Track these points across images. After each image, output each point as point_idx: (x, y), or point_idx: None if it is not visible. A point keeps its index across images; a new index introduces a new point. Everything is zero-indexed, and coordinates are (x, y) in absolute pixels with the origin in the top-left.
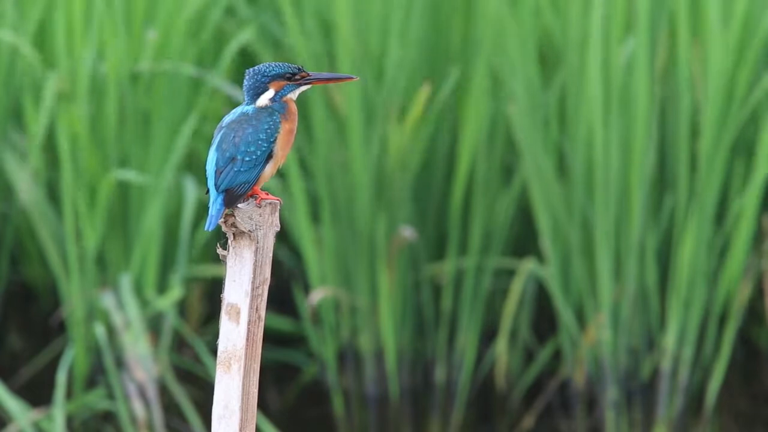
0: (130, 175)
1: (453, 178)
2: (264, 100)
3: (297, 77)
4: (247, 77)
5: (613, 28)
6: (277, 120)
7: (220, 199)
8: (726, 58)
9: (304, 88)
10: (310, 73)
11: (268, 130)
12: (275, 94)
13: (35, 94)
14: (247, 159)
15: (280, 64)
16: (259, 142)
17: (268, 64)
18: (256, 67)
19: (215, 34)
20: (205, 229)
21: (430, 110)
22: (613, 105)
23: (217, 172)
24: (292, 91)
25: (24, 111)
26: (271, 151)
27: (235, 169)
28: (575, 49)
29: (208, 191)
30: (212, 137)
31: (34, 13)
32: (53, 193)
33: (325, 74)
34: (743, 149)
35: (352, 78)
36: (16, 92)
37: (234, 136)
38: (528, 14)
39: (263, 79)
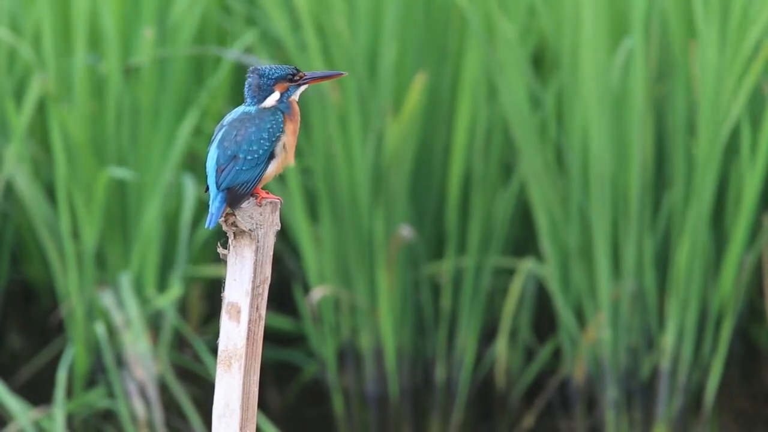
0: (123, 172)
1: (450, 177)
2: (271, 101)
3: (296, 78)
4: (250, 78)
5: (603, 30)
6: (280, 119)
7: (220, 197)
8: (720, 57)
9: (303, 88)
10: (305, 72)
11: (271, 129)
12: (281, 96)
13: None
14: (249, 158)
15: (280, 66)
16: (261, 141)
17: (269, 66)
18: (259, 69)
19: (214, 30)
20: (206, 227)
21: (425, 102)
22: (608, 106)
23: (218, 170)
24: (294, 92)
25: (8, 114)
26: (273, 150)
27: (237, 168)
28: (569, 50)
29: (207, 189)
30: (212, 135)
31: (32, 13)
32: (53, 191)
33: (318, 73)
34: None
35: (342, 74)
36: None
37: (236, 134)
38: (521, 13)
39: (268, 82)
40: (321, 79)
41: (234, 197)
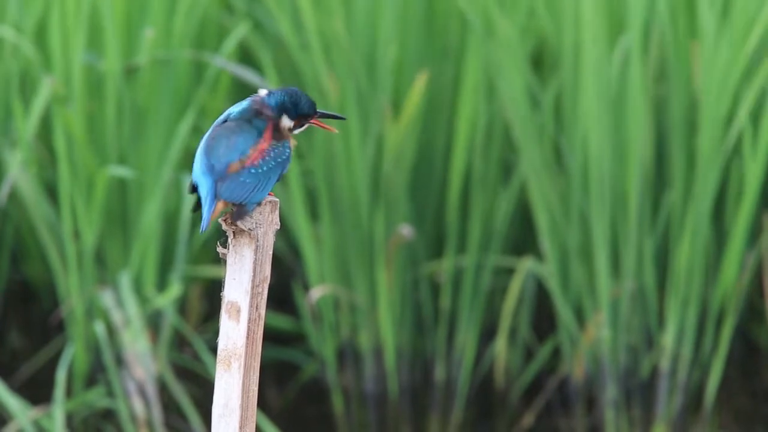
0: (123, 171)
1: (451, 176)
2: (287, 122)
3: (311, 117)
4: (295, 94)
5: (603, 28)
6: (288, 149)
7: (210, 200)
8: (722, 55)
9: (303, 128)
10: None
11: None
12: (295, 126)
13: (32, 92)
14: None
15: (312, 102)
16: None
17: (310, 99)
18: (306, 94)
19: (215, 29)
20: (201, 231)
21: (426, 102)
22: (608, 105)
23: (218, 179)
24: (299, 129)
25: (14, 113)
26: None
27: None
28: (570, 49)
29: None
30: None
31: (34, 11)
32: (53, 191)
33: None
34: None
35: (335, 125)
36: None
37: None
38: (520, 13)
39: (297, 111)
40: (325, 117)
41: (241, 212)
